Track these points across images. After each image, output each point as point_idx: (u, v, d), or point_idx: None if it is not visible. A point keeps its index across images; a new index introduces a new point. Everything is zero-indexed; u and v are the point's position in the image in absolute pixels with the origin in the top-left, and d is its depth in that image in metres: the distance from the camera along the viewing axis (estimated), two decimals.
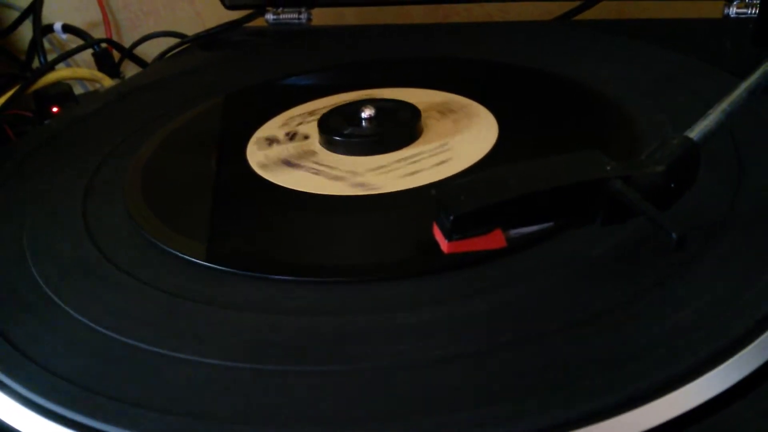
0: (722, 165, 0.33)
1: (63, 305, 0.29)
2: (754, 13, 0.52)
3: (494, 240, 0.25)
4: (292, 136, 0.41)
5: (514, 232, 0.26)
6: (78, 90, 0.70)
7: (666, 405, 0.22)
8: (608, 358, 0.24)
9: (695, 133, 0.28)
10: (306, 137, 0.41)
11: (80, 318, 0.28)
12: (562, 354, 0.24)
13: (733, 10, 0.52)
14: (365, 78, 0.49)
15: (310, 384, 0.24)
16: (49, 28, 0.72)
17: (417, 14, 0.73)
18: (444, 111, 0.42)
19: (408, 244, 0.32)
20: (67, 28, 0.71)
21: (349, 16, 0.73)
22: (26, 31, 0.78)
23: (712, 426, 0.22)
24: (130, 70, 0.72)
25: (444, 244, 0.25)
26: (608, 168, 0.26)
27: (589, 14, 0.60)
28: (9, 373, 0.26)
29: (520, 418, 0.22)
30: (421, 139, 0.39)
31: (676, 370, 0.23)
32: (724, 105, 0.30)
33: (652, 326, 0.25)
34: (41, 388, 0.25)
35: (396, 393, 0.23)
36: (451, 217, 0.25)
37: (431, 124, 0.41)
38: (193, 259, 0.31)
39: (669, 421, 0.22)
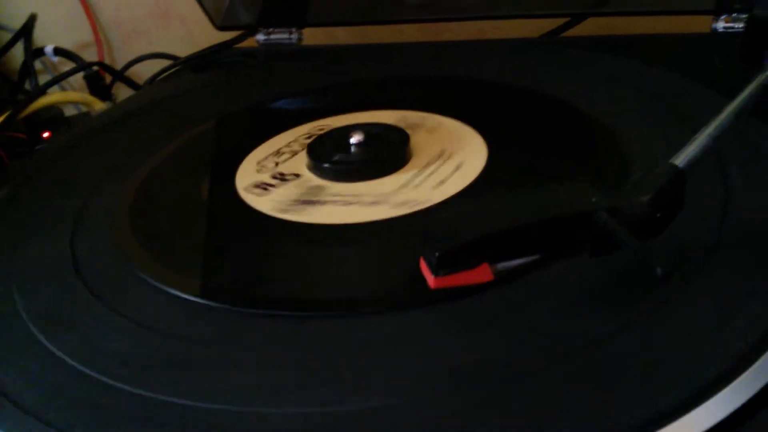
0: (709, 188, 0.33)
1: (46, 343, 0.29)
2: (742, 27, 0.52)
3: (481, 274, 0.26)
4: (282, 177, 0.40)
5: (501, 265, 0.26)
6: (70, 110, 0.70)
7: None
8: (597, 390, 0.24)
9: (680, 159, 0.29)
10: (297, 175, 0.40)
11: (66, 359, 0.28)
12: (551, 387, 0.24)
13: (720, 25, 0.52)
14: (353, 100, 0.49)
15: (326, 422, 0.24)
16: (41, 51, 0.72)
17: (409, 31, 0.73)
18: (432, 133, 0.42)
19: None
20: (58, 51, 0.71)
21: (341, 35, 0.74)
22: (18, 52, 0.78)
23: None
24: (121, 91, 0.72)
25: (431, 280, 0.25)
26: (593, 200, 0.26)
27: (578, 29, 0.60)
28: None
29: None
30: (414, 160, 0.40)
31: (666, 402, 0.22)
32: (710, 129, 0.30)
33: (640, 357, 0.25)
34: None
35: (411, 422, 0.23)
36: (437, 254, 0.25)
37: (421, 146, 0.41)
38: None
39: None
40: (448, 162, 0.39)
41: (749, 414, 0.23)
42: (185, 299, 0.31)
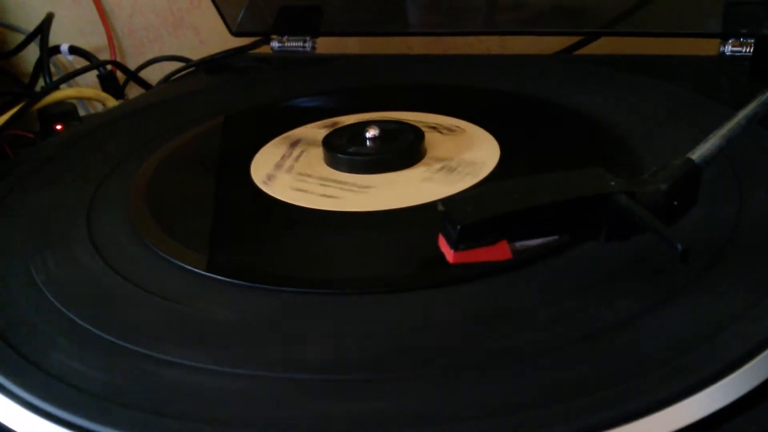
0: (722, 190, 0.33)
1: (66, 312, 0.29)
2: (749, 51, 0.53)
3: (499, 251, 0.26)
4: (295, 165, 0.41)
5: (520, 244, 0.26)
6: (81, 112, 0.71)
7: (665, 419, 0.22)
8: (608, 373, 0.24)
9: (696, 155, 0.29)
10: (310, 165, 0.41)
11: (86, 326, 0.28)
12: (562, 368, 0.24)
13: (728, 48, 0.53)
14: (362, 103, 0.50)
15: (318, 390, 0.24)
16: (56, 49, 0.73)
17: (417, 47, 0.74)
18: (447, 131, 0.43)
19: None
20: (73, 50, 0.72)
21: (352, 46, 0.75)
22: (30, 54, 0.79)
23: None
24: (134, 93, 0.73)
25: (450, 255, 0.26)
26: (612, 183, 0.26)
27: (587, 50, 0.61)
28: (16, 381, 0.26)
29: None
30: (429, 156, 0.40)
31: (675, 386, 0.23)
32: (724, 131, 0.31)
33: (650, 344, 0.25)
34: (49, 395, 0.25)
35: (400, 400, 0.23)
36: (458, 227, 0.25)
37: (435, 144, 0.42)
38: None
39: None
40: (461, 161, 0.39)
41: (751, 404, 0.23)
42: (190, 270, 0.31)
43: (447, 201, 0.26)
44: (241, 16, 0.67)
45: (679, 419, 0.22)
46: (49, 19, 0.72)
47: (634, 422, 0.22)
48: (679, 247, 0.23)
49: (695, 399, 0.22)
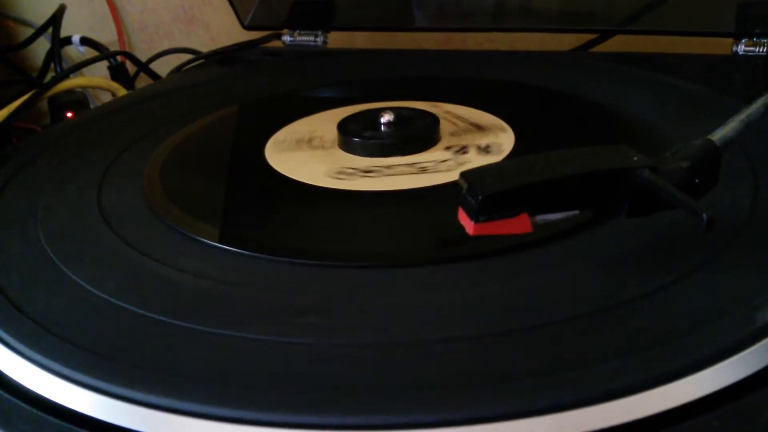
0: (737, 179, 0.33)
1: (73, 276, 0.29)
2: (762, 51, 0.53)
3: (520, 224, 0.25)
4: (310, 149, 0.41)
5: (540, 218, 0.26)
6: (90, 106, 0.71)
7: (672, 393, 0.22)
8: (614, 348, 0.23)
9: (717, 137, 0.29)
10: (325, 148, 0.41)
11: (92, 290, 0.28)
12: (573, 342, 0.24)
13: (741, 48, 0.53)
14: (373, 94, 0.50)
15: (318, 354, 0.24)
16: (67, 40, 0.73)
17: (427, 45, 0.74)
18: (460, 120, 0.43)
19: None
20: (84, 41, 0.72)
21: (360, 42, 0.75)
22: (40, 49, 0.79)
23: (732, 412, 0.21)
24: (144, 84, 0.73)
25: (470, 226, 0.25)
26: (635, 159, 0.26)
27: (598, 49, 0.62)
28: (29, 344, 0.26)
29: (513, 398, 0.22)
30: (442, 142, 0.40)
31: (684, 361, 0.22)
32: (743, 116, 0.31)
33: (656, 322, 0.24)
34: (57, 355, 0.25)
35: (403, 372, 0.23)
36: (480, 197, 0.25)
37: (451, 130, 0.42)
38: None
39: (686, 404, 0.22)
40: (474, 147, 0.39)
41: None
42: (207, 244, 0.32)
43: (468, 173, 0.26)
44: (253, 10, 0.67)
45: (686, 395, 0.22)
46: (61, 9, 0.72)
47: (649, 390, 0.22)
48: (705, 217, 0.23)
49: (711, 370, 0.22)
